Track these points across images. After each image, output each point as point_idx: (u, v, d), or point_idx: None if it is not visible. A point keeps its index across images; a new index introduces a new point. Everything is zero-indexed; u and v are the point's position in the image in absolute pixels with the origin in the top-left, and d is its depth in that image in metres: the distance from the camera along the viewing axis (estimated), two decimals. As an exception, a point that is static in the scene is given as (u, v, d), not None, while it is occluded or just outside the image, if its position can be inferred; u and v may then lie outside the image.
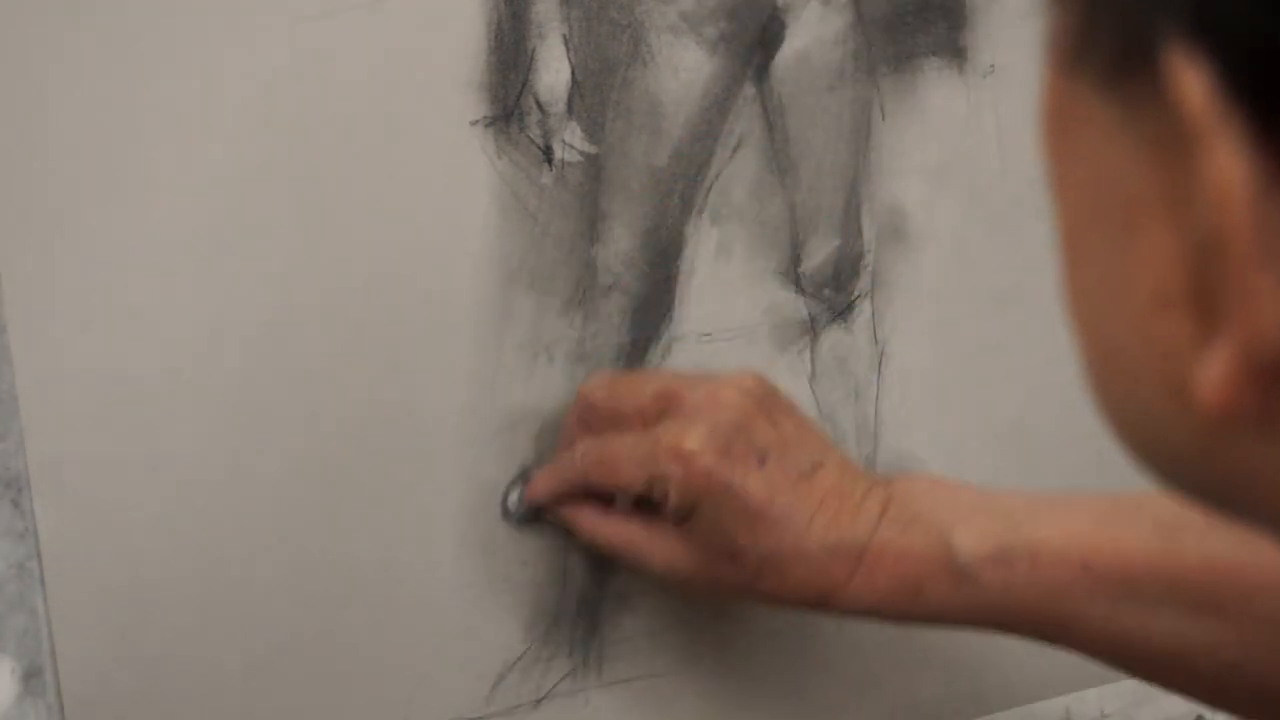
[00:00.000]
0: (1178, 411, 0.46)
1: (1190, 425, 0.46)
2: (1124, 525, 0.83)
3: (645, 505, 0.87)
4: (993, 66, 0.97)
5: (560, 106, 0.89)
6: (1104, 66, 0.45)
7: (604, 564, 0.92)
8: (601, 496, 0.88)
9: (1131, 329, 0.47)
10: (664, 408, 0.86)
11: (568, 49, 0.89)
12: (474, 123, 0.88)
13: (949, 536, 0.84)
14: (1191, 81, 0.42)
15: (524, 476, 0.90)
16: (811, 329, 0.96)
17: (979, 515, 0.84)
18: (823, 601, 0.84)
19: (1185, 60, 0.42)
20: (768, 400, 0.87)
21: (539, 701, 0.91)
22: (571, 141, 0.89)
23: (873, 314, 0.97)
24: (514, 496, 0.90)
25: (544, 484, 0.89)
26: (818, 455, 0.86)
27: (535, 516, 0.90)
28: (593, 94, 0.90)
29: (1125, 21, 0.44)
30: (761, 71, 0.93)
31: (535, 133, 0.89)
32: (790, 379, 0.95)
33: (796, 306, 0.95)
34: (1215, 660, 0.79)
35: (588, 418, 0.88)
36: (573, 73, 0.89)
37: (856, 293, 0.96)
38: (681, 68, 0.91)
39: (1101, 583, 0.81)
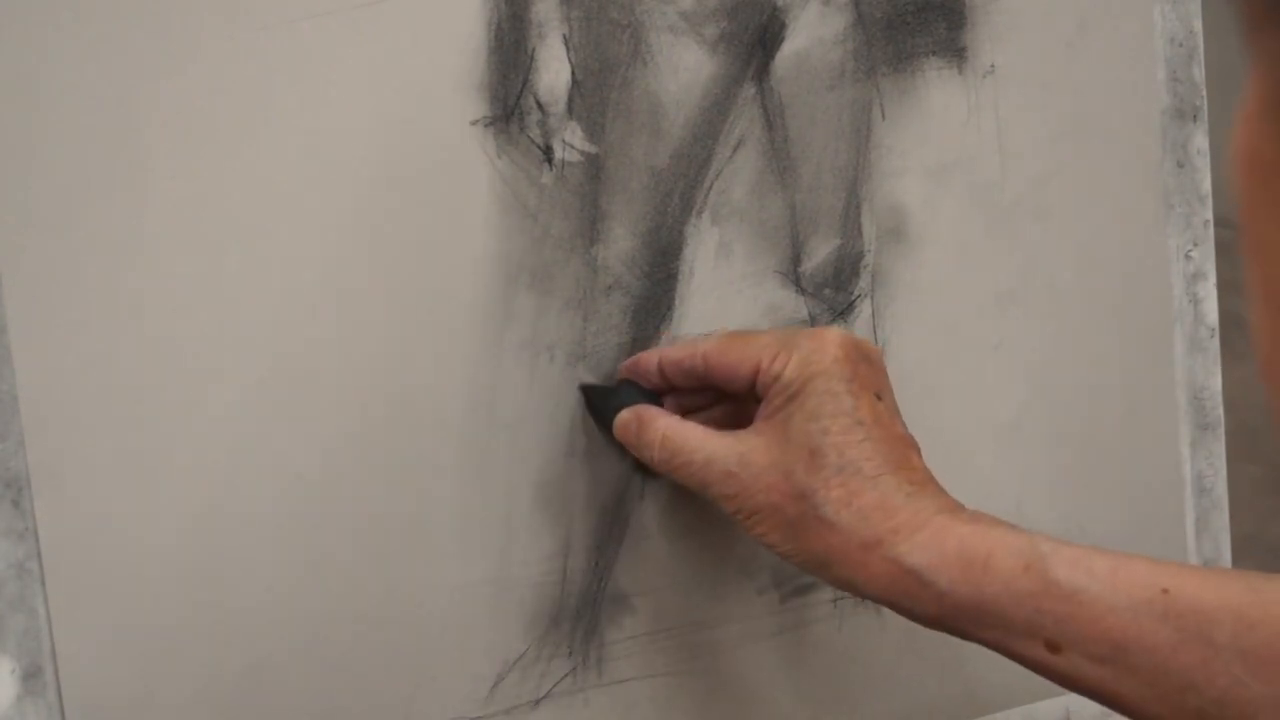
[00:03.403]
0: None
1: None
2: (1215, 572, 0.81)
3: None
4: (993, 66, 0.97)
5: (560, 106, 0.89)
6: None
7: (604, 564, 0.92)
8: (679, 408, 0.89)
9: None
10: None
11: (568, 49, 0.89)
12: (474, 123, 0.88)
13: (1034, 535, 0.82)
14: None
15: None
16: (811, 329, 0.95)
17: (1069, 541, 0.83)
18: (875, 543, 0.83)
19: None
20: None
21: (539, 701, 0.91)
22: (571, 141, 0.89)
23: (873, 314, 0.97)
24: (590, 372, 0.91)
25: (650, 355, 0.89)
26: (912, 438, 0.87)
27: (599, 406, 0.90)
28: (593, 94, 0.90)
29: None
30: (761, 71, 0.93)
31: (535, 133, 0.89)
32: (790, 379, 0.95)
33: (796, 306, 0.95)
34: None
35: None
36: (573, 73, 0.89)
37: (856, 292, 0.96)
38: (681, 68, 0.91)
39: (1177, 611, 0.78)
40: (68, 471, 0.82)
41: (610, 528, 0.92)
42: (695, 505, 0.93)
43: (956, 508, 0.84)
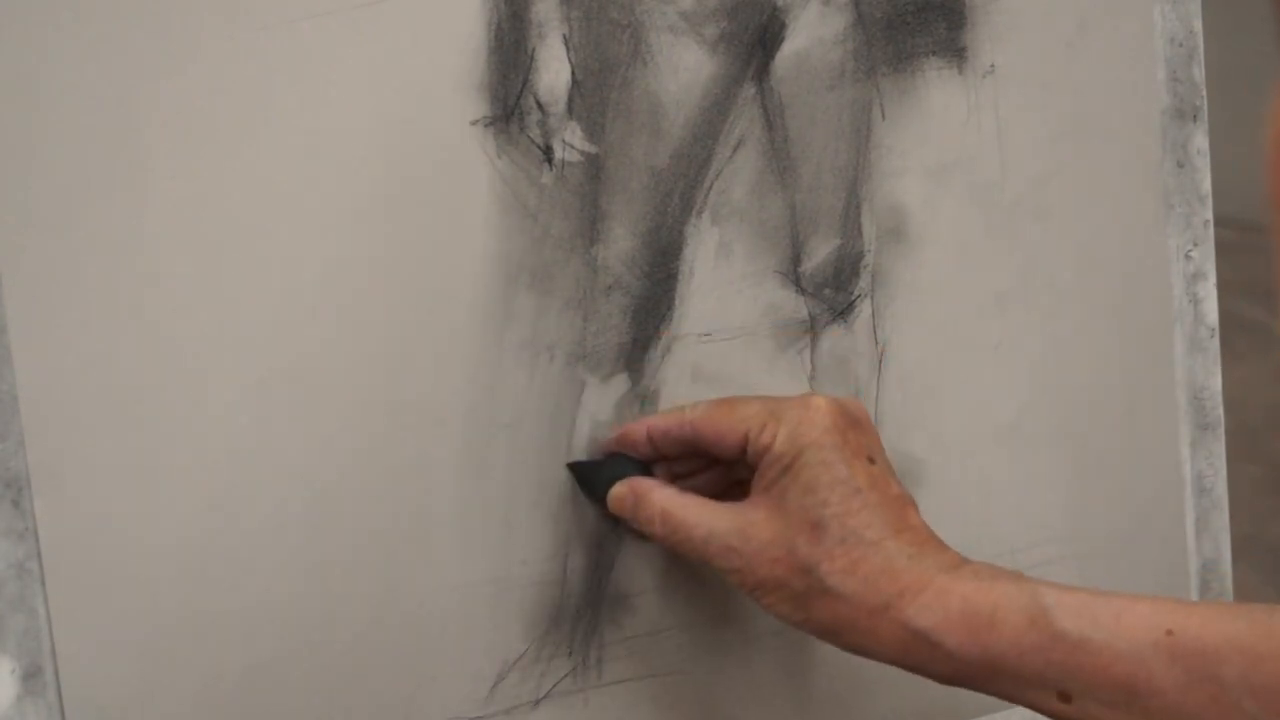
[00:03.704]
0: None
1: None
2: (1218, 609, 0.81)
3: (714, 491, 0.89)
4: (993, 66, 0.97)
5: (560, 106, 0.89)
6: None
7: (604, 564, 0.92)
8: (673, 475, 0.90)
9: None
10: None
11: (568, 49, 0.89)
12: (474, 123, 0.88)
13: (1036, 585, 0.83)
14: None
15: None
16: (811, 329, 0.96)
17: (1071, 587, 0.83)
18: (882, 608, 0.83)
19: None
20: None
21: (539, 701, 0.91)
22: (571, 141, 0.89)
23: (873, 314, 0.97)
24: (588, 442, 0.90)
25: (639, 425, 0.90)
26: (909, 495, 0.87)
27: (590, 479, 0.90)
28: (593, 94, 0.90)
29: None
30: (761, 71, 0.93)
31: (535, 133, 0.89)
32: (790, 379, 0.95)
33: (796, 306, 0.95)
34: None
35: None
36: (573, 73, 0.89)
37: (856, 293, 0.96)
38: (681, 68, 0.91)
39: (1183, 651, 0.79)
40: (68, 471, 0.82)
41: (610, 528, 0.92)
42: (695, 505, 0.93)
43: (958, 564, 0.85)
